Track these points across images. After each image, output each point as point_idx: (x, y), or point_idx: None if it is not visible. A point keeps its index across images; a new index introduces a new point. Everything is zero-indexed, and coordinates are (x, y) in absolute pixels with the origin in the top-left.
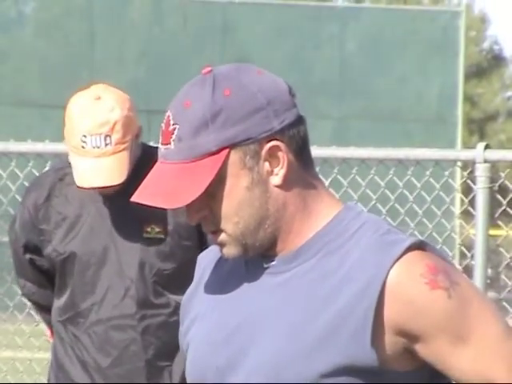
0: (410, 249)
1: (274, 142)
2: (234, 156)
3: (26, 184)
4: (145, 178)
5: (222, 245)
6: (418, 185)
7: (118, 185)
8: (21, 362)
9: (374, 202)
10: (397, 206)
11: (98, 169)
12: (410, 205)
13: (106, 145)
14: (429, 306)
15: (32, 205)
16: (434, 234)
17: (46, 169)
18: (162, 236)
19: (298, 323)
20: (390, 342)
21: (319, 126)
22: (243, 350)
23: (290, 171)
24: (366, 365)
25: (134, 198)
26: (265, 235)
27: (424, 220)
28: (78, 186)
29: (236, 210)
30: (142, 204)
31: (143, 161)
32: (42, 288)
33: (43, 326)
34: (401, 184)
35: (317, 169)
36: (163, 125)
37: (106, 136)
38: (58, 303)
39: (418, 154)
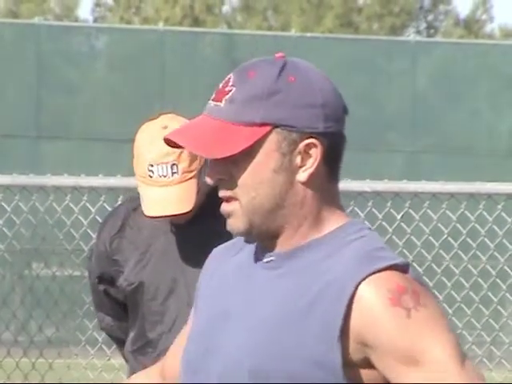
0: (390, 268)
1: (313, 140)
2: (274, 136)
3: (98, 218)
4: (216, 206)
5: (230, 215)
6: (490, 219)
7: (187, 213)
8: None
9: (445, 236)
10: (468, 240)
11: (165, 198)
12: (481, 239)
13: (173, 174)
14: (385, 320)
15: (107, 236)
16: (505, 267)
17: (118, 203)
18: None
19: (270, 317)
20: (353, 348)
21: (391, 160)
22: (216, 341)
23: (316, 174)
24: (332, 362)
25: (167, 136)
26: (274, 223)
27: (496, 254)
28: (146, 216)
29: (256, 186)
30: (209, 232)
31: (215, 188)
32: (120, 321)
33: (115, 361)
34: (472, 218)
35: (388, 202)
36: (221, 84)
37: (173, 165)
38: (131, 334)
39: (490, 188)
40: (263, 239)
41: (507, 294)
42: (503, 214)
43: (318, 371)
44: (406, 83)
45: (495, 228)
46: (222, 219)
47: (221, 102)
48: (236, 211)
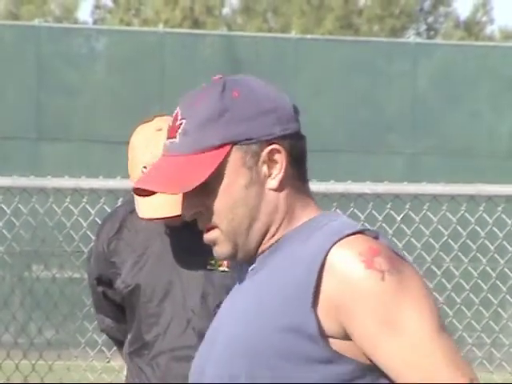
0: (359, 233)
1: (274, 146)
2: (236, 153)
3: (98, 220)
4: None
5: (214, 243)
6: (490, 221)
7: (182, 215)
8: None
9: (445, 238)
10: (468, 242)
11: (159, 200)
12: (481, 241)
13: None
14: (360, 283)
15: (105, 237)
16: (505, 269)
17: (118, 205)
18: (226, 268)
19: (249, 307)
20: (328, 317)
21: (391, 162)
22: (205, 359)
23: (286, 178)
24: (311, 329)
25: (136, 185)
26: (255, 237)
27: (496, 256)
28: (140, 218)
29: (231, 207)
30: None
31: None
32: (119, 323)
33: (114, 363)
34: (472, 220)
35: (388, 204)
36: (171, 122)
37: None
38: (129, 336)
39: (490, 190)
40: (248, 257)
41: (507, 296)
42: (503, 216)
43: (297, 339)
44: (407, 85)
45: (495, 230)
46: None
47: (175, 137)
48: (219, 238)
